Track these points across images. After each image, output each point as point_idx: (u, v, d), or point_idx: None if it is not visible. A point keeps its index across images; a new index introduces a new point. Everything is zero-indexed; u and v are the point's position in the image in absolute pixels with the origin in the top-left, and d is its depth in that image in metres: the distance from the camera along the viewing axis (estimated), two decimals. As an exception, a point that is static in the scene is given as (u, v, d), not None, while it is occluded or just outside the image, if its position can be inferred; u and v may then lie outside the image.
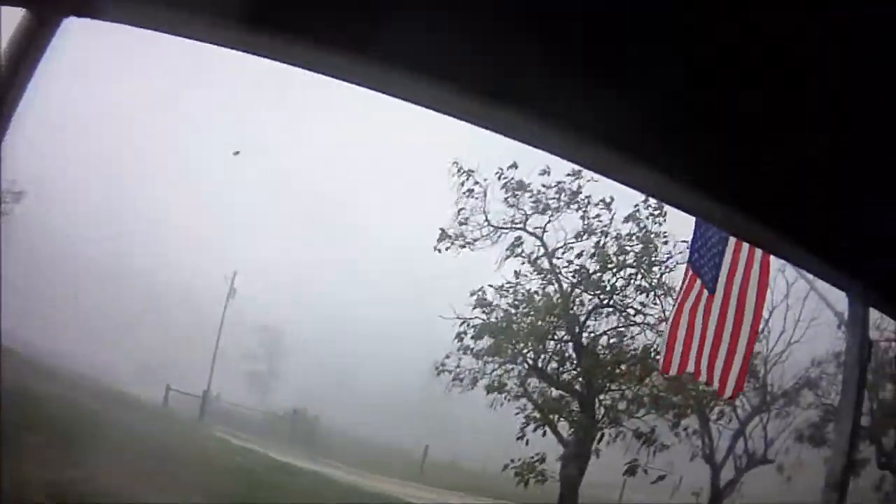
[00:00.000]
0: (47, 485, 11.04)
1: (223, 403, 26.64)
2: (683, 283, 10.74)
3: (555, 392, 14.73)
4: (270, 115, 19.78)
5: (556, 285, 14.57)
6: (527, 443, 13.81)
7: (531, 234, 14.48)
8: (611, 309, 14.58)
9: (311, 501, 14.82)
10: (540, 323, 14.55)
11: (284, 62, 2.38)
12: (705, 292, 10.01)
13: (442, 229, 14.73)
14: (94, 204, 21.81)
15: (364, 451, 25.56)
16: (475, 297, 14.72)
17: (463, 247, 14.71)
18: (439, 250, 14.77)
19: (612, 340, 14.62)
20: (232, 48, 2.42)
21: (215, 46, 2.41)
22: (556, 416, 14.21)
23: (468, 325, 14.66)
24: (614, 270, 14.29)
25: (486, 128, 2.51)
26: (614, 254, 14.16)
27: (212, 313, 27.89)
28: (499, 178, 14.38)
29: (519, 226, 14.54)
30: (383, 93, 2.45)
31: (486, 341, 14.64)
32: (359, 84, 2.40)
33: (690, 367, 10.30)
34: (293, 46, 2.29)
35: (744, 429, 15.29)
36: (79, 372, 22.87)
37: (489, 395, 14.59)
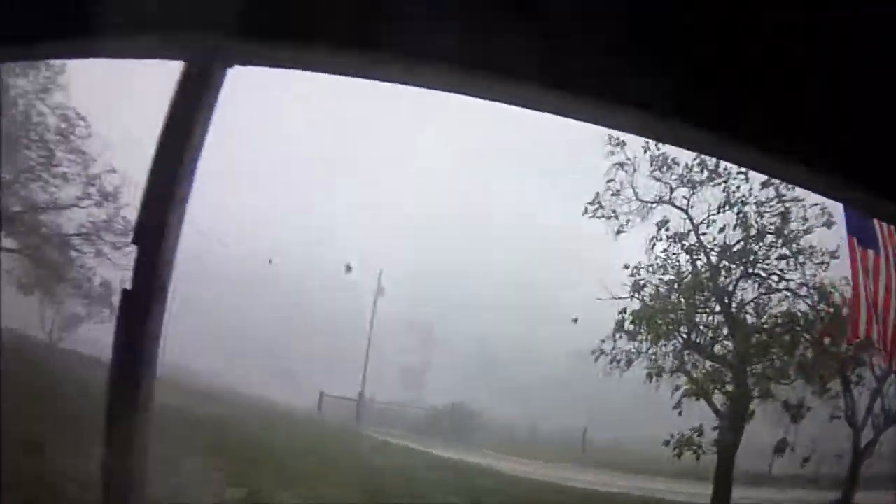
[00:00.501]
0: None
1: (378, 405, 27.33)
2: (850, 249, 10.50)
3: (708, 364, 14.71)
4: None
5: (705, 258, 14.57)
6: (680, 413, 13.93)
7: (678, 207, 14.56)
8: (755, 278, 14.46)
9: (476, 496, 14.87)
10: (691, 299, 14.61)
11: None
12: (870, 253, 9.78)
13: (597, 193, 14.96)
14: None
15: (524, 439, 25.85)
16: (629, 272, 14.85)
17: (611, 217, 14.96)
18: (586, 210, 14.97)
19: (758, 309, 14.52)
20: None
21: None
22: (711, 388, 14.19)
23: (625, 310, 14.80)
24: (756, 239, 14.17)
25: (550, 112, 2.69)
26: (755, 223, 13.90)
27: (359, 314, 28.70)
28: (645, 152, 14.41)
29: (666, 200, 14.49)
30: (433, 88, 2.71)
31: (641, 322, 14.67)
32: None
33: (872, 334, 10.18)
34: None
35: (881, 387, 14.83)
36: (233, 389, 24.09)
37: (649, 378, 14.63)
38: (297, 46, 2.57)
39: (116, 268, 16.68)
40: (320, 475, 14.10)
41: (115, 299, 16.51)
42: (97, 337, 18.13)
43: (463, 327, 29.68)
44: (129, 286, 2.71)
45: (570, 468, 20.60)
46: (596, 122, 2.76)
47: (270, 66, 2.78)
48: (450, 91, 2.76)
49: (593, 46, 2.46)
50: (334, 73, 2.83)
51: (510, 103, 2.72)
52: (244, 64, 2.70)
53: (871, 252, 10.03)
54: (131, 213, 16.68)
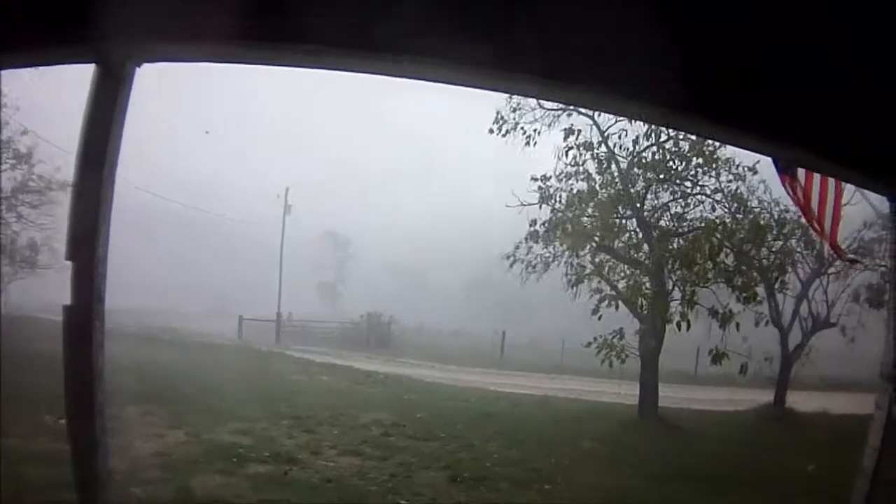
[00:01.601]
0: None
1: (295, 322, 27.55)
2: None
3: (626, 269, 15.05)
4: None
5: (615, 167, 14.68)
6: (600, 318, 14.06)
7: (582, 114, 14.23)
8: (668, 184, 14.70)
9: (403, 408, 15.03)
10: (602, 201, 14.73)
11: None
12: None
13: (497, 111, 14.76)
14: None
15: (441, 346, 26.24)
16: (537, 183, 14.83)
17: (515, 129, 14.75)
18: (492, 130, 14.76)
19: (674, 217, 14.84)
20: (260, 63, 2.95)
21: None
22: (630, 292, 14.48)
23: (535, 221, 14.91)
24: (668, 147, 14.30)
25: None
26: (666, 132, 14.05)
27: (272, 235, 28.71)
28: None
29: (570, 107, 14.35)
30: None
31: (554, 227, 14.83)
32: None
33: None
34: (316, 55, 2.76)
35: (806, 292, 15.67)
36: (163, 326, 24.04)
37: (570, 286, 14.90)
38: (194, 42, 2.72)
39: (37, 227, 16.95)
40: (250, 403, 14.18)
41: (41, 257, 16.81)
42: (24, 297, 18.44)
43: (377, 238, 30.05)
44: (70, 301, 2.79)
45: (492, 372, 21.24)
46: (595, 110, 2.99)
47: (173, 61, 3.04)
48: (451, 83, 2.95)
49: (585, 40, 2.63)
50: (229, 61, 3.08)
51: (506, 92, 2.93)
52: (151, 61, 2.80)
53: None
54: (44, 170, 16.94)
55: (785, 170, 10.38)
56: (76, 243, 2.79)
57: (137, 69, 2.79)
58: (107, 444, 3.01)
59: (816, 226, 10.75)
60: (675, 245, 14.31)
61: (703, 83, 2.70)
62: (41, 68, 2.98)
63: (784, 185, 10.67)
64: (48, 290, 18.07)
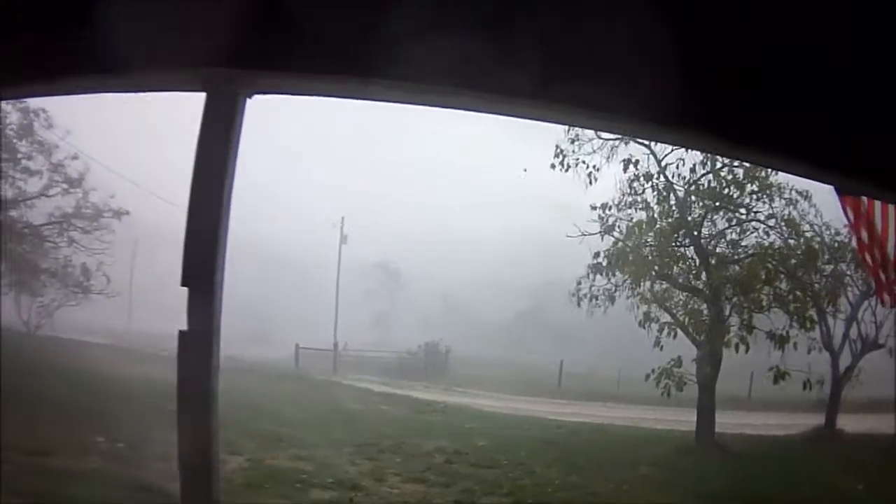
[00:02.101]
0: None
1: (351, 352, 27.75)
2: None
3: (682, 295, 15.29)
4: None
5: (672, 195, 14.92)
6: (661, 348, 14.37)
7: (639, 143, 14.53)
8: (724, 211, 14.93)
9: (464, 437, 15.28)
10: (662, 234, 15.00)
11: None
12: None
13: (556, 145, 14.99)
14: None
15: (496, 376, 25.99)
16: (597, 212, 15.11)
17: (577, 165, 14.98)
18: (553, 166, 14.95)
19: (729, 243, 15.07)
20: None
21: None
22: (687, 319, 14.78)
23: (598, 253, 15.18)
24: (723, 174, 14.55)
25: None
26: (721, 159, 14.31)
27: (327, 265, 29.07)
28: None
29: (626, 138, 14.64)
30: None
31: (616, 257, 15.08)
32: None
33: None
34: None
35: (855, 314, 15.54)
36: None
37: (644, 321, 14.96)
38: (303, 76, 2.86)
39: (88, 252, 17.23)
40: (311, 430, 14.64)
41: (94, 282, 17.13)
42: (75, 320, 18.88)
43: (430, 269, 30.27)
44: (184, 328, 2.80)
45: (548, 401, 21.16)
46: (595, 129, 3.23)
47: (282, 93, 3.12)
48: (454, 108, 3.13)
49: (576, 62, 2.74)
50: (335, 96, 3.21)
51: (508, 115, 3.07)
52: (261, 93, 2.91)
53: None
54: (97, 198, 17.36)
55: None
56: (192, 269, 2.81)
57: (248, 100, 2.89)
58: (219, 473, 3.04)
59: (868, 258, 10.74)
60: (731, 272, 14.55)
61: (737, 109, 2.72)
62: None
63: (843, 205, 10.74)
64: (95, 314, 18.86)
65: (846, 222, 11.21)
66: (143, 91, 3.04)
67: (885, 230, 10.30)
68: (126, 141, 18.99)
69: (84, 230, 17.29)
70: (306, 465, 12.33)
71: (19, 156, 16.46)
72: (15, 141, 16.25)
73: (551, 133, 14.94)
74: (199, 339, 2.83)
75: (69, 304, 17.92)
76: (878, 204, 10.00)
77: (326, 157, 29.19)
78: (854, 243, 11.44)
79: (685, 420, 15.64)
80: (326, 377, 23.68)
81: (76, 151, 16.82)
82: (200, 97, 2.83)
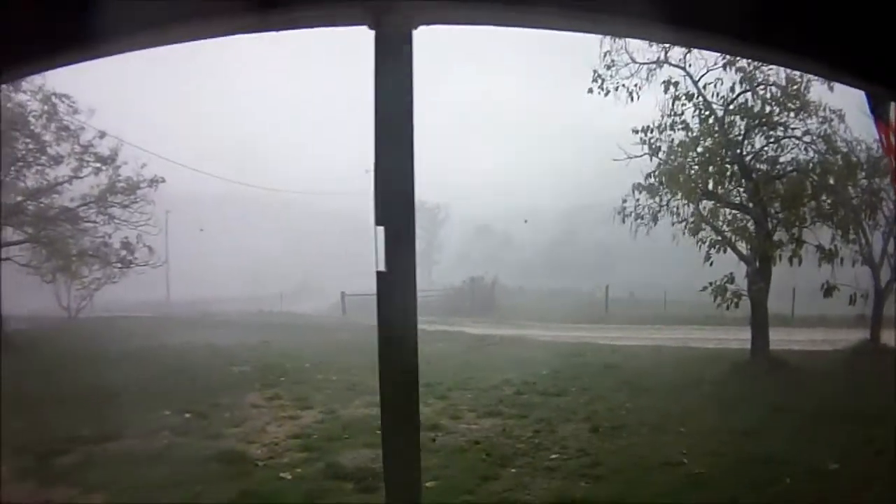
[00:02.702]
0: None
1: None
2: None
3: (729, 214, 15.53)
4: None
5: (711, 114, 15.08)
6: (711, 263, 14.63)
7: (675, 65, 14.82)
8: (762, 129, 15.04)
9: (525, 367, 15.67)
10: (702, 150, 15.20)
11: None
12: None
13: (594, 70, 15.07)
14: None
15: (542, 306, 26.76)
16: (639, 135, 15.22)
17: (618, 88, 15.12)
18: (591, 90, 15.06)
19: (769, 160, 15.23)
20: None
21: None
22: (735, 237, 15.10)
23: (650, 174, 15.42)
24: (761, 92, 14.71)
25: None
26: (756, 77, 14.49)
27: (364, 210, 29.40)
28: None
29: (663, 60, 14.87)
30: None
31: (665, 175, 15.30)
32: None
33: None
34: None
35: (894, 227, 15.77)
36: (262, 310, 25.12)
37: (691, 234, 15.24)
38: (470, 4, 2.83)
39: (131, 226, 17.37)
40: (374, 375, 14.93)
41: (138, 255, 17.27)
42: (108, 299, 19.46)
43: (462, 203, 30.58)
44: (382, 268, 2.92)
45: (598, 327, 21.82)
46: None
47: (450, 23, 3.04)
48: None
49: None
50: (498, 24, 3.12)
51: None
52: (428, 24, 2.89)
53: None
54: (129, 171, 17.44)
55: (880, 114, 10.70)
56: (387, 210, 2.93)
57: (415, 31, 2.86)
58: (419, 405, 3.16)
59: None
60: (775, 188, 14.77)
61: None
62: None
63: (878, 131, 10.92)
64: (128, 289, 19.01)
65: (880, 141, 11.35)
66: (310, 26, 2.90)
67: None
68: (149, 113, 19.34)
69: (122, 205, 17.39)
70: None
71: (45, 143, 16.59)
72: (40, 130, 16.41)
73: (586, 60, 15.06)
74: (400, 278, 2.95)
75: (112, 282, 18.09)
76: None
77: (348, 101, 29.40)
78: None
79: (733, 338, 16.27)
80: (374, 322, 23.84)
81: (102, 130, 16.97)
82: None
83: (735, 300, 14.30)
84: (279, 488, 9.37)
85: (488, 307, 26.46)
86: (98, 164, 17.10)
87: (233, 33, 2.83)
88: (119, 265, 17.47)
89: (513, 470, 10.12)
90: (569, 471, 10.04)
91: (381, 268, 2.88)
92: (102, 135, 16.94)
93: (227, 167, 22.56)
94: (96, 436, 10.58)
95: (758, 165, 15.21)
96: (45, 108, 16.08)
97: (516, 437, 11.45)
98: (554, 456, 10.58)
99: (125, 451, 10.26)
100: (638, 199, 15.50)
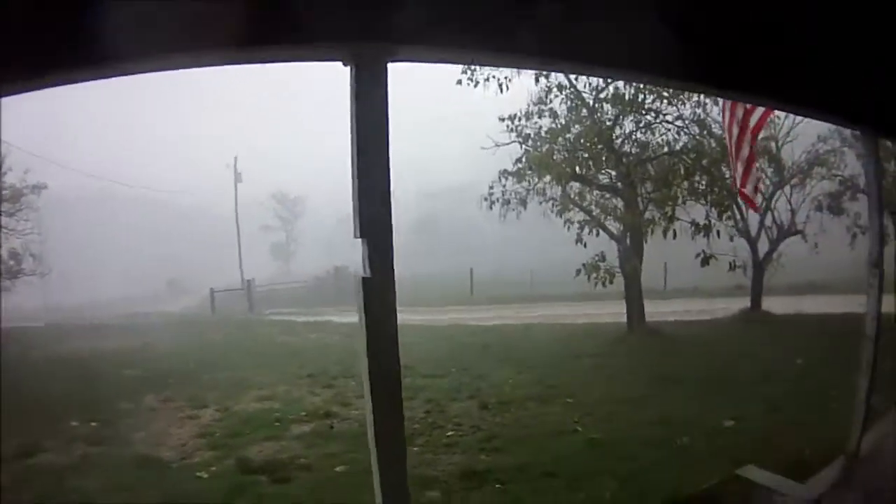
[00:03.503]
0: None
1: (259, 287, 27.89)
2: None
3: (596, 195, 16.26)
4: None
5: (581, 101, 15.83)
6: (584, 245, 15.25)
7: None
8: (633, 115, 15.80)
9: (403, 351, 15.76)
10: (569, 135, 15.83)
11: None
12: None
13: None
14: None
15: (407, 290, 26.69)
16: (505, 123, 15.84)
17: (487, 80, 15.18)
18: (460, 82, 15.23)
19: (640, 144, 16.04)
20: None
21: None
22: (604, 217, 15.85)
23: (519, 159, 15.99)
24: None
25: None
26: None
27: (224, 205, 29.18)
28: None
29: None
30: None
31: (525, 163, 15.87)
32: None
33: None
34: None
35: (769, 203, 16.99)
36: (133, 311, 24.42)
37: (558, 216, 15.91)
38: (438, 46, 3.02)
39: (15, 234, 17.04)
40: (258, 370, 15.08)
41: (28, 265, 16.96)
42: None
43: (331, 191, 30.66)
44: (364, 274, 3.00)
45: (465, 308, 22.43)
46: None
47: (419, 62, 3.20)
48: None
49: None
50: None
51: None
52: (397, 61, 3.01)
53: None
54: (13, 178, 16.83)
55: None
56: (367, 223, 2.98)
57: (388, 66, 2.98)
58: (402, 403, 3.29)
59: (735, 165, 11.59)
60: (647, 169, 15.62)
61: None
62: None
63: (723, 116, 11.67)
64: (26, 297, 18.46)
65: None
66: (283, 61, 3.06)
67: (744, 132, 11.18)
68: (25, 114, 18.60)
69: (7, 213, 16.96)
70: (273, 404, 12.82)
71: None
72: None
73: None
74: (380, 285, 3.03)
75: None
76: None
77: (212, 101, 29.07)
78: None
79: (602, 313, 17.21)
80: (245, 316, 24.05)
81: None
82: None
83: (608, 277, 14.95)
84: (200, 488, 9.37)
85: (352, 296, 26.37)
86: (-16, 171, 16.45)
87: (219, 64, 2.95)
88: (7, 276, 17.09)
89: (415, 449, 10.37)
90: (467, 446, 10.44)
91: (366, 274, 3.01)
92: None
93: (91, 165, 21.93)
94: (15, 451, 10.16)
95: (628, 149, 16.03)
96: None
97: (409, 418, 11.39)
98: (450, 433, 10.95)
99: (46, 464, 10.07)
100: (504, 185, 16.05)
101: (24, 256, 17.10)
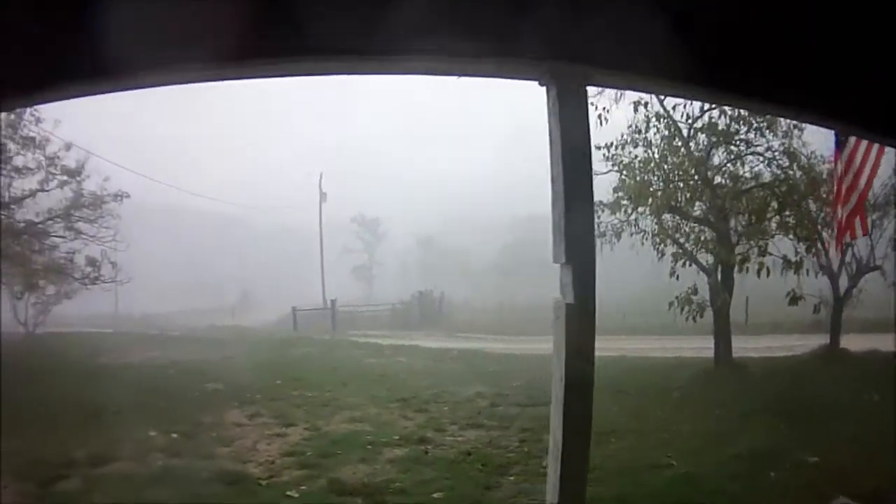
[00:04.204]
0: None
1: (342, 308, 28.34)
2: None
3: (689, 227, 16.21)
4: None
5: (675, 130, 15.86)
6: (677, 278, 15.20)
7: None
8: (725, 146, 15.85)
9: (493, 379, 16.31)
10: (666, 166, 15.92)
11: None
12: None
13: None
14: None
15: (490, 319, 27.22)
16: (601, 151, 15.58)
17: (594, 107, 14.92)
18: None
19: (731, 175, 16.00)
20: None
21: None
22: (697, 249, 15.81)
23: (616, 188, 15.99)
24: (729, 111, 15.22)
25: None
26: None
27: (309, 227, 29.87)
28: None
29: None
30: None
31: (632, 191, 15.79)
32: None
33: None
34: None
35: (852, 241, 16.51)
36: (212, 325, 25.27)
37: (654, 251, 15.87)
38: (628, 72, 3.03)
39: (96, 241, 17.51)
40: (348, 391, 15.48)
41: (107, 272, 17.48)
42: (66, 311, 19.52)
43: (411, 217, 31.16)
44: (569, 301, 2.98)
45: (550, 338, 22.17)
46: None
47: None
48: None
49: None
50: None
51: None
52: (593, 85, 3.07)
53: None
54: (94, 185, 17.63)
55: (839, 145, 11.53)
56: (573, 248, 2.97)
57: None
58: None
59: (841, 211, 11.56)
60: (741, 202, 15.54)
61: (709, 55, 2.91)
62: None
63: (836, 161, 11.71)
64: (89, 303, 19.34)
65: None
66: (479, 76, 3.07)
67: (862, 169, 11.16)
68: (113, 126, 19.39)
69: (88, 220, 17.51)
70: (365, 426, 13.07)
71: (10, 154, 16.45)
72: (5, 140, 16.23)
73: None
74: (583, 311, 3.00)
75: (67, 297, 18.35)
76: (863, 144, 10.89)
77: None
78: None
79: (688, 347, 17.34)
80: (329, 336, 24.41)
81: (68, 142, 17.10)
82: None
83: (700, 311, 15.01)
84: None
85: (435, 321, 27.00)
86: (65, 177, 17.20)
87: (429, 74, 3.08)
88: (85, 282, 17.57)
89: (511, 478, 10.63)
90: (565, 476, 10.61)
91: (570, 301, 2.99)
92: (69, 146, 17.09)
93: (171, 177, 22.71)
94: (91, 459, 10.72)
95: (719, 180, 16.03)
96: (11, 117, 15.99)
97: (504, 447, 11.95)
98: (546, 463, 11.05)
99: (122, 474, 10.42)
100: (600, 217, 15.84)
101: (102, 263, 17.49)
